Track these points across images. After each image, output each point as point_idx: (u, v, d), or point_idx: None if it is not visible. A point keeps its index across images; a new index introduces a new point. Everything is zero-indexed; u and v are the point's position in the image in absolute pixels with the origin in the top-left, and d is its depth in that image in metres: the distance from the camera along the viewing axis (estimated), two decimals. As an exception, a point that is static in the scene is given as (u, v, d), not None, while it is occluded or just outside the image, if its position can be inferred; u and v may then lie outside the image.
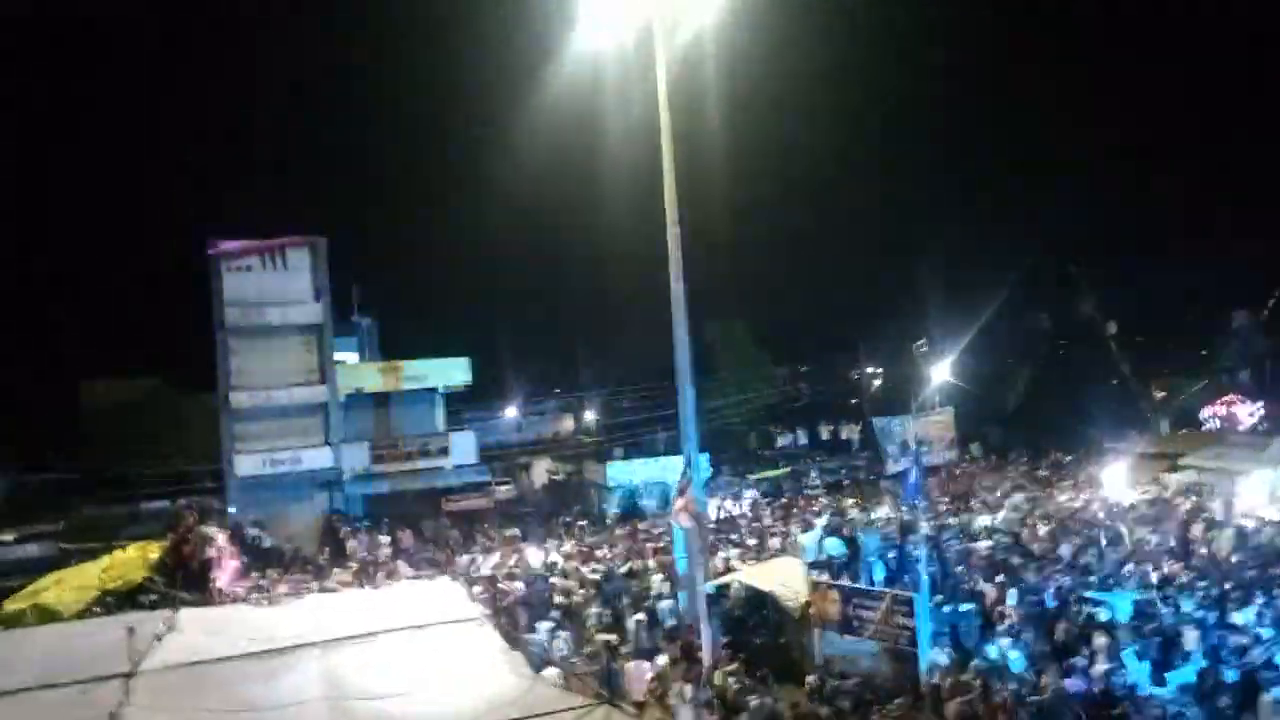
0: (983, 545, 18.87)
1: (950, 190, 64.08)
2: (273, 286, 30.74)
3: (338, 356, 33.28)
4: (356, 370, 34.19)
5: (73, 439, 39.20)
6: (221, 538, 19.26)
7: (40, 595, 14.35)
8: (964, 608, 14.35)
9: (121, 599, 15.33)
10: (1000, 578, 15.74)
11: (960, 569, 16.98)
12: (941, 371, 41.74)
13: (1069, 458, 33.33)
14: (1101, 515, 21.45)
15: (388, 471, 31.81)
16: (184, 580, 16.57)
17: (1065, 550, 17.94)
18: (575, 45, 15.97)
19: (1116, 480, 25.11)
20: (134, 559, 16.26)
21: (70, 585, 14.74)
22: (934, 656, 12.32)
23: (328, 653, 8.41)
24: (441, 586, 11.18)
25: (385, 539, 25.76)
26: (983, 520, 21.99)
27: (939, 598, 14.31)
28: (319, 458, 30.45)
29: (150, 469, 31.50)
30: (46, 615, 13.75)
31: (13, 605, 14.15)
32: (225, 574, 18.00)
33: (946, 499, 26.43)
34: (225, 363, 29.87)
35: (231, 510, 27.12)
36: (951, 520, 22.31)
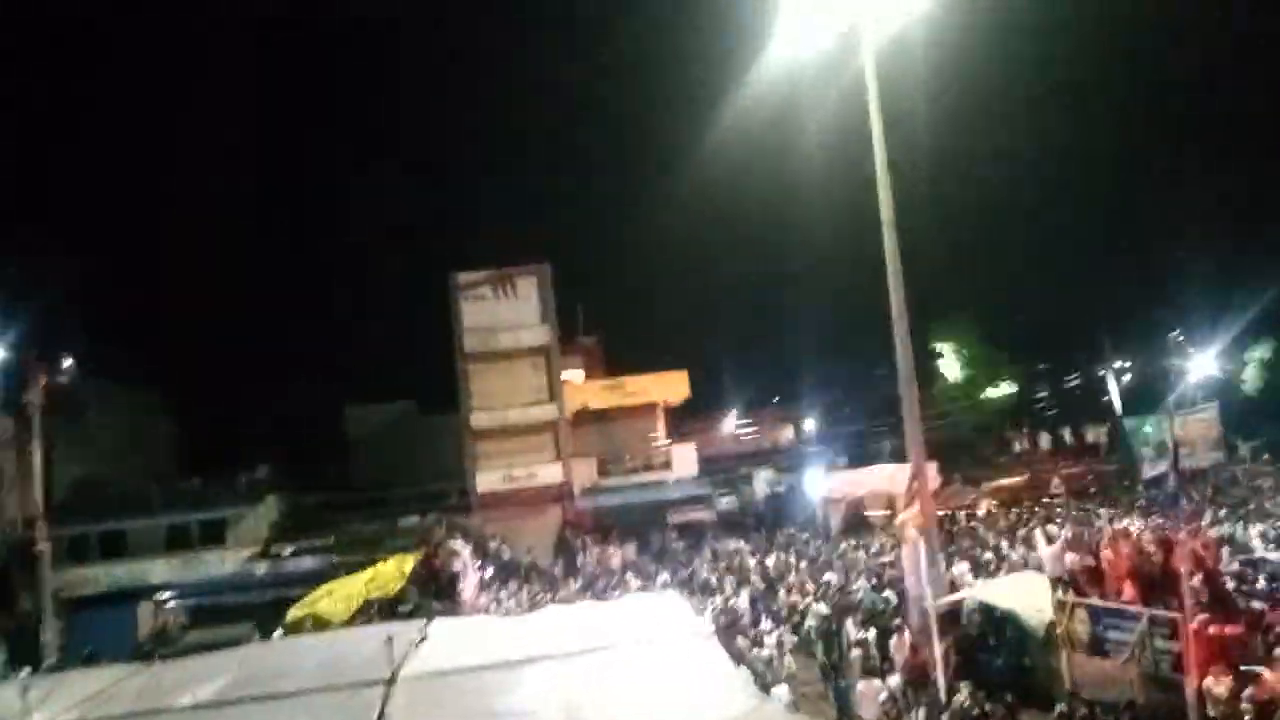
0: (1271, 558, 16.82)
1: (1197, 163, 57.47)
2: (504, 313, 32.84)
3: (565, 375, 34.87)
4: (582, 388, 35.64)
5: (340, 460, 43.47)
6: (466, 551, 20.63)
7: (316, 605, 15.99)
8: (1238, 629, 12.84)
9: (383, 608, 16.82)
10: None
11: (1236, 586, 15.22)
12: (1203, 364, 37.65)
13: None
14: None
15: (614, 485, 32.92)
16: (435, 591, 17.92)
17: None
18: (777, 54, 15.87)
19: None
20: (392, 571, 17.74)
21: (340, 595, 16.34)
22: (1207, 684, 11.12)
23: (563, 665, 8.79)
24: (668, 600, 11.38)
25: (614, 550, 26.61)
26: (1258, 529, 19.64)
27: (1203, 617, 12.90)
28: (551, 473, 32.04)
29: (404, 487, 34.27)
30: (321, 623, 15.33)
31: (295, 613, 15.88)
32: (470, 585, 19.28)
33: (1213, 505, 23.80)
34: (466, 385, 32.14)
35: (474, 524, 29.05)
36: (1220, 530, 20.06)
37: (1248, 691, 10.96)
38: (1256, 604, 14.01)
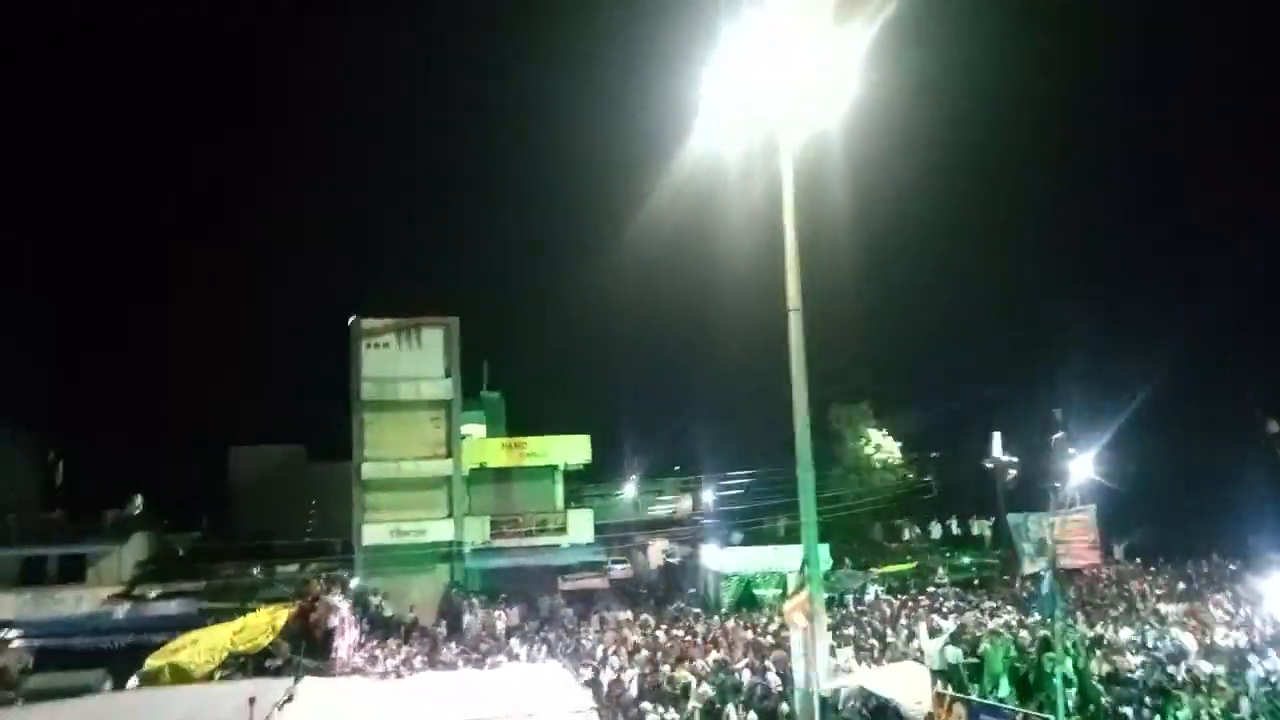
0: (1133, 664, 17.44)
1: (1093, 270, 61.19)
2: (407, 363, 32.23)
3: (465, 429, 34.31)
4: (481, 445, 35.11)
5: (220, 503, 41.55)
6: (345, 607, 19.83)
7: (177, 655, 15.02)
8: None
9: (249, 663, 15.93)
10: (1150, 704, 14.48)
11: (1104, 690, 15.71)
12: (1083, 466, 39.41)
13: (1230, 565, 30.73)
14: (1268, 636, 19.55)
15: (506, 547, 32.30)
16: (307, 647, 17.09)
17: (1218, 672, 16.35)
18: (697, 140, 16.32)
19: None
20: (263, 623, 16.87)
21: (204, 646, 15.40)
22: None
23: (435, 736, 8.47)
24: (551, 672, 11.14)
25: (500, 614, 25.95)
26: (1127, 634, 20.40)
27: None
28: (442, 530, 31.24)
29: (286, 536, 32.92)
30: (180, 675, 14.39)
31: (153, 663, 14.87)
32: (346, 643, 18.47)
33: (1086, 607, 24.69)
34: (360, 434, 31.27)
35: (356, 580, 27.98)
36: (1091, 632, 20.76)
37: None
38: (1125, 710, 14.46)
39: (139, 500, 37.79)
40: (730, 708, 15.62)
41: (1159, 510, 39.53)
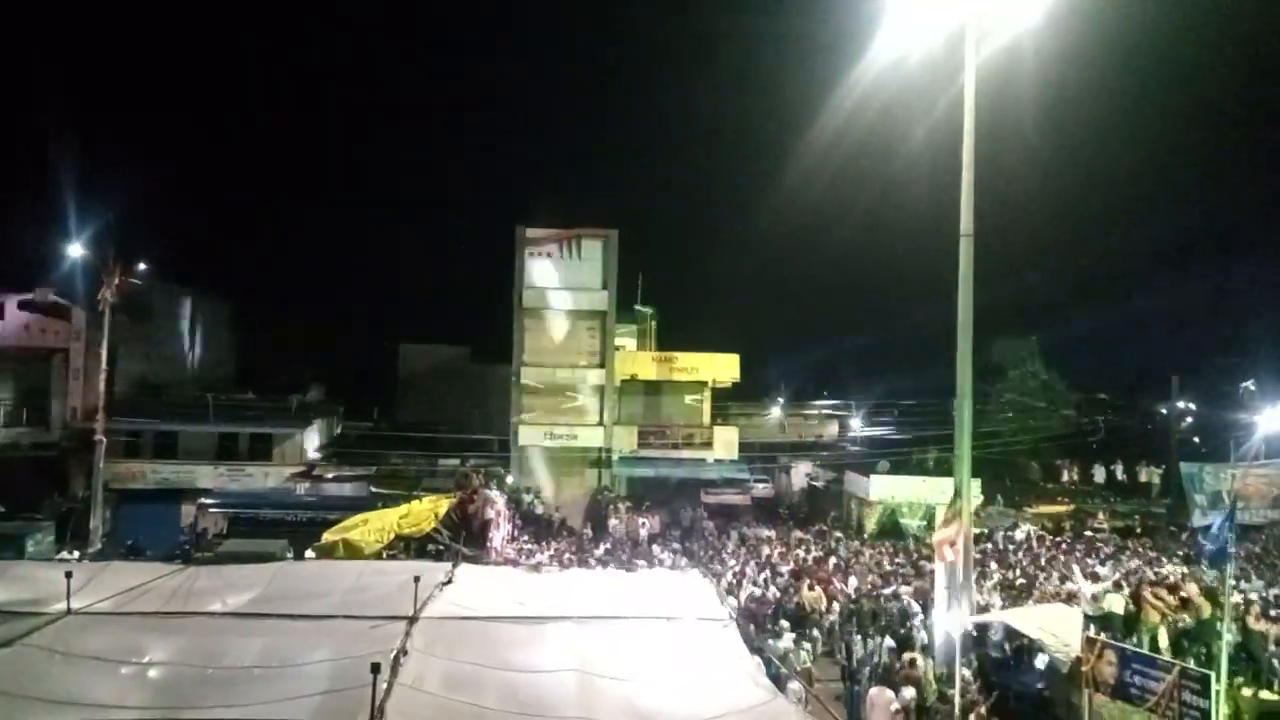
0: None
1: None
2: (566, 273, 32.90)
3: (618, 341, 34.96)
4: (633, 357, 35.67)
5: (389, 395, 44.36)
6: (501, 501, 20.89)
7: (349, 532, 16.35)
8: (1272, 696, 12.50)
9: (413, 545, 17.15)
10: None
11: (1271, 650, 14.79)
12: (1273, 419, 36.28)
13: None
14: None
15: (652, 457, 32.99)
16: (465, 536, 18.19)
17: None
18: (880, 49, 15.47)
19: None
20: (426, 510, 18.03)
21: (373, 527, 16.67)
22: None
23: (581, 628, 8.89)
24: (692, 580, 11.40)
25: (644, 521, 26.71)
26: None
27: (1240, 680, 12.57)
28: (592, 436, 32.22)
29: (447, 430, 34.81)
30: (352, 550, 15.68)
31: (328, 537, 16.25)
32: (501, 535, 19.54)
33: (1260, 565, 23.08)
34: (519, 340, 32.40)
35: (511, 477, 29.39)
36: (1261, 592, 19.44)
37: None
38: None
39: (319, 388, 40.85)
40: (869, 630, 15.66)
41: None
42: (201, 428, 33.31)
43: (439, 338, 45.60)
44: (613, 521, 26.51)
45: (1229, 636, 13.00)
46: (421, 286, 54.38)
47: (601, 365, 32.94)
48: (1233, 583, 15.98)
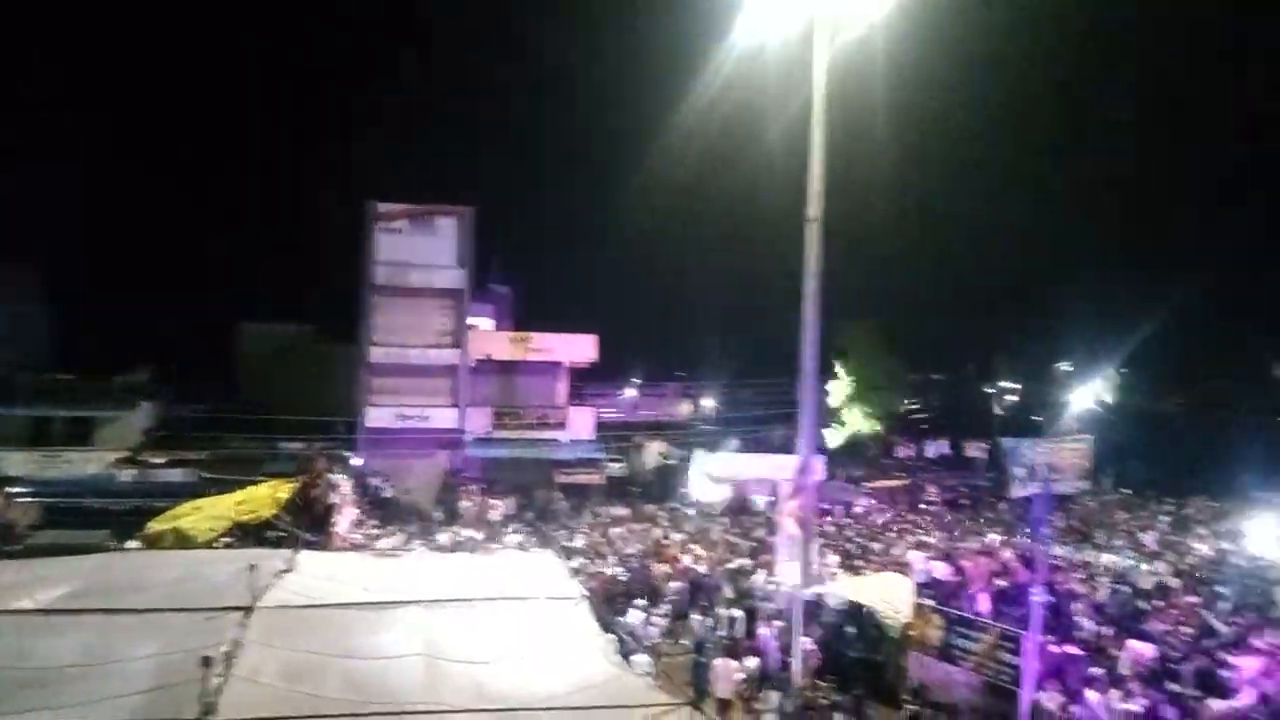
0: (1105, 586, 17.91)
1: (1119, 204, 60.25)
2: (420, 250, 32.10)
3: (471, 321, 34.43)
4: (488, 337, 35.23)
5: (227, 377, 41.97)
6: (346, 485, 20.23)
7: (180, 520, 15.42)
8: (1077, 651, 13.64)
9: (251, 532, 16.33)
10: (1114, 623, 14.92)
11: (1077, 609, 16.14)
12: (1084, 397, 39.57)
13: (1215, 504, 31.11)
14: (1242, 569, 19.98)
15: (507, 438, 32.73)
16: (308, 522, 17.48)
17: (1194, 602, 16.81)
18: (737, 38, 15.72)
19: (1264, 534, 23.25)
20: (265, 496, 17.20)
21: (207, 514, 15.78)
22: (1040, 699, 11.78)
23: (429, 612, 8.72)
24: (543, 560, 11.40)
25: (496, 502, 26.51)
26: (1107, 559, 20.84)
27: (1049, 638, 13.64)
28: (445, 417, 31.64)
29: (292, 414, 33.33)
30: (183, 540, 14.79)
31: (156, 526, 15.27)
32: (346, 520, 18.92)
33: (1070, 532, 25.13)
34: (369, 319, 31.39)
35: (358, 460, 28.49)
36: (1072, 556, 21.22)
37: (1075, 709, 11.68)
38: (1105, 630, 14.89)
39: (147, 368, 38.24)
40: (716, 603, 16.10)
41: (1152, 447, 39.98)
42: (12, 410, 30.65)
43: (286, 317, 43.51)
44: (464, 504, 26.18)
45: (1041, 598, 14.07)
46: (267, 264, 51.74)
47: (456, 345, 32.37)
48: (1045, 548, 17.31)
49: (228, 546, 14.89)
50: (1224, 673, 12.98)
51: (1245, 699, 12.16)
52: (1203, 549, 23.13)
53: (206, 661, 5.76)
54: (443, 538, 20.74)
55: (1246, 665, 13.01)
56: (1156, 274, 47.55)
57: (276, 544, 15.31)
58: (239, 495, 17.13)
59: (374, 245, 31.52)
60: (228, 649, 6.95)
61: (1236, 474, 32.96)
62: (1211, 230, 53.15)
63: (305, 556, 10.48)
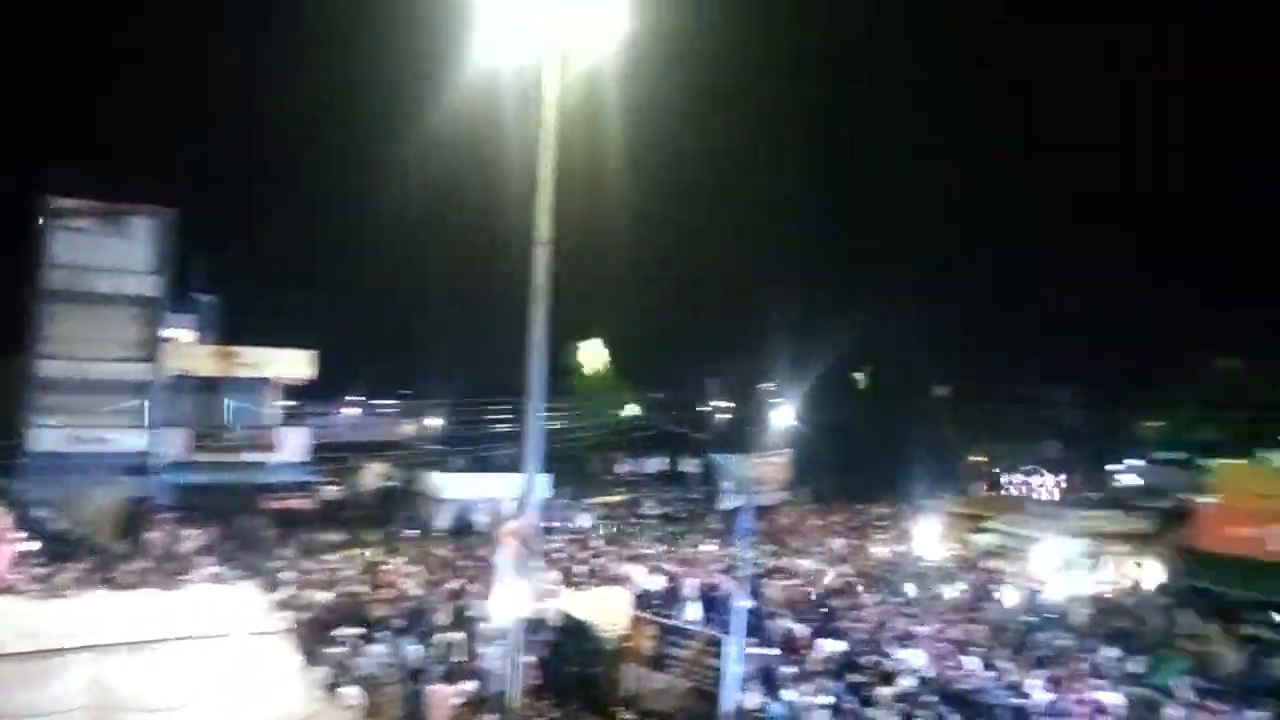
0: (798, 589, 19.57)
1: (823, 233, 66.37)
2: (109, 253, 28.83)
3: (173, 333, 31.49)
4: (188, 351, 32.33)
5: None
6: (5, 518, 17.68)
7: None
8: (774, 651, 14.77)
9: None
10: (808, 623, 16.35)
11: (774, 611, 17.49)
12: (784, 415, 42.97)
13: (889, 510, 34.97)
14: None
15: (208, 462, 30.09)
16: (-45, 562, 15.08)
17: (870, 599, 18.83)
18: (470, 59, 15.59)
19: (928, 536, 26.53)
20: (-104, 534, 14.68)
21: None
22: (742, 699, 12.57)
23: (101, 657, 7.84)
24: (242, 592, 10.60)
25: (191, 533, 24.29)
26: (804, 564, 22.79)
27: (751, 640, 14.65)
28: (131, 440, 28.55)
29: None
30: None
31: None
32: (4, 558, 16.51)
33: (770, 539, 27.24)
34: (41, 327, 27.72)
35: (20, 488, 25.05)
36: (773, 561, 23.00)
37: (773, 706, 12.63)
38: (801, 628, 16.23)
39: None
40: (435, 626, 15.74)
41: (843, 458, 44.36)
42: None
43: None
44: (151, 535, 23.73)
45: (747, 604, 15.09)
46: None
47: (148, 359, 29.33)
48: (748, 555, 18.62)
49: None
50: (893, 662, 14.62)
51: (908, 682, 13.77)
52: (881, 551, 25.96)
53: None
54: (124, 574, 18.62)
55: (913, 656, 14.78)
56: (844, 296, 53.48)
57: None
58: None
59: (50, 245, 27.89)
60: None
61: (909, 482, 37.28)
62: (890, 257, 59.87)
63: (-53, 603, 9.05)
